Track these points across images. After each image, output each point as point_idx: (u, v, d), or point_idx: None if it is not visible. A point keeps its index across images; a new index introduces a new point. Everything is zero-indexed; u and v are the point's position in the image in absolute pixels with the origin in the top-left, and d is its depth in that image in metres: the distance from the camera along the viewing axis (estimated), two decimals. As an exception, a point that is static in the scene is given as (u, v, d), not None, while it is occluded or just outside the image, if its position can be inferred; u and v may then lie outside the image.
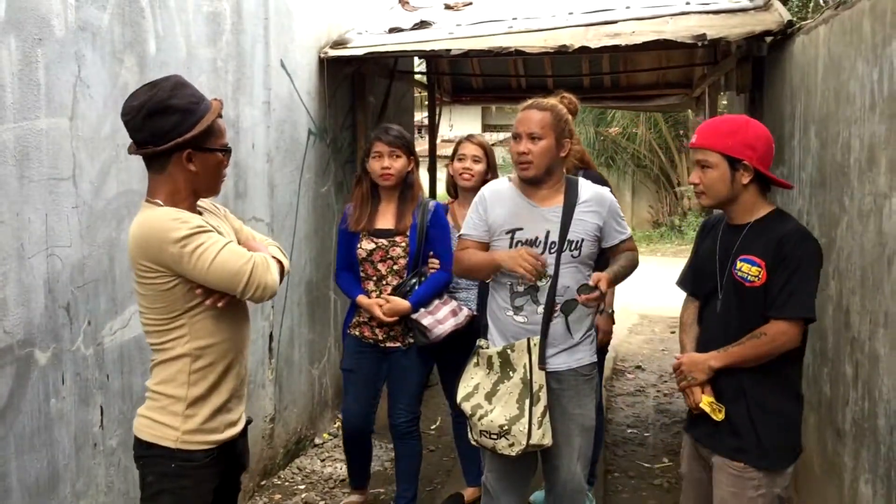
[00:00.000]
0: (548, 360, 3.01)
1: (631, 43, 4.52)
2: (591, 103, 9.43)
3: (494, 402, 3.00)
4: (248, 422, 2.49)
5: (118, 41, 3.11)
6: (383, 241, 3.70)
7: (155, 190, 2.24)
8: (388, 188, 3.74)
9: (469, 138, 3.98)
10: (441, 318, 3.70)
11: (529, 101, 3.11)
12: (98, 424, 3.04)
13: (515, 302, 3.05)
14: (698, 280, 2.82)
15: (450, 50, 4.87)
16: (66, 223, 2.85)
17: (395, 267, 3.72)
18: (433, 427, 5.43)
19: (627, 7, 5.20)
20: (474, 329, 3.60)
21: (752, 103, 4.92)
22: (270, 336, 4.48)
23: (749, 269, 2.56)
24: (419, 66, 7.69)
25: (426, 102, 7.65)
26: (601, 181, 3.62)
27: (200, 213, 2.32)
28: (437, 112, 7.81)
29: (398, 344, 3.77)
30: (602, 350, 3.95)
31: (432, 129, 7.49)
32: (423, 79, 7.53)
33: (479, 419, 2.99)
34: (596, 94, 8.18)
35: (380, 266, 3.72)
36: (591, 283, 2.93)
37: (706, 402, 2.62)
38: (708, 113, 6.77)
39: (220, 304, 2.22)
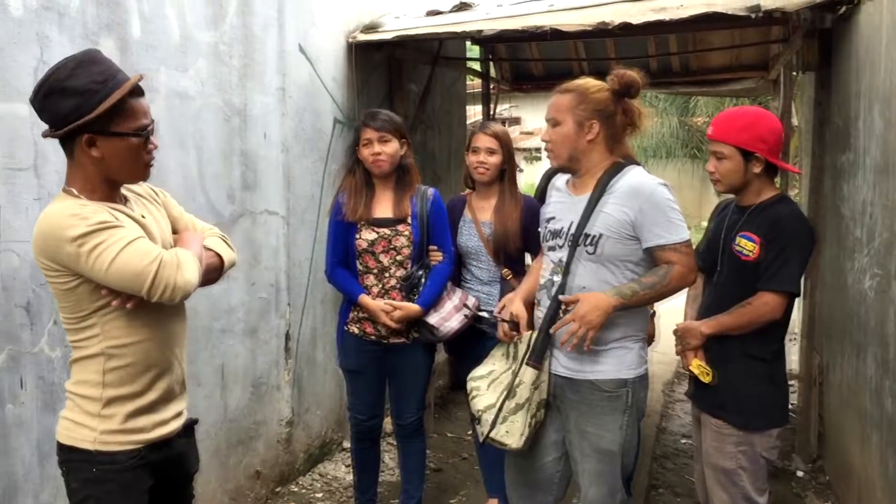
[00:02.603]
0: (563, 365, 2.73)
1: (676, 18, 4.08)
2: (658, 89, 8.88)
3: (490, 388, 2.84)
4: (192, 422, 2.30)
5: (91, 22, 2.90)
6: (385, 231, 3.46)
7: (70, 178, 2.04)
8: (382, 175, 3.48)
9: (483, 129, 3.66)
10: (446, 315, 3.49)
11: (561, 85, 2.78)
12: (68, 431, 2.85)
13: (538, 295, 2.85)
14: (706, 255, 3.01)
15: (481, 31, 4.55)
16: (26, 216, 2.66)
17: (399, 257, 3.47)
18: (469, 433, 5.11)
19: (681, -21, 4.74)
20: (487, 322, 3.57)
21: (820, 83, 4.42)
22: (287, 335, 4.25)
23: (746, 244, 2.80)
24: (472, 51, 7.36)
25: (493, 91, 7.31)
26: None
27: (126, 200, 2.11)
28: (495, 100, 7.47)
29: (402, 339, 3.54)
30: None
31: (487, 117, 7.13)
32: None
33: (472, 399, 2.87)
34: (664, 80, 7.65)
35: (382, 257, 3.47)
36: (563, 305, 2.70)
37: (696, 364, 2.88)
38: (783, 97, 6.20)
39: (128, 306, 2.00)
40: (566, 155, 2.72)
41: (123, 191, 2.15)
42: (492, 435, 2.75)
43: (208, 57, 3.55)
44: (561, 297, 2.68)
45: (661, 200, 2.62)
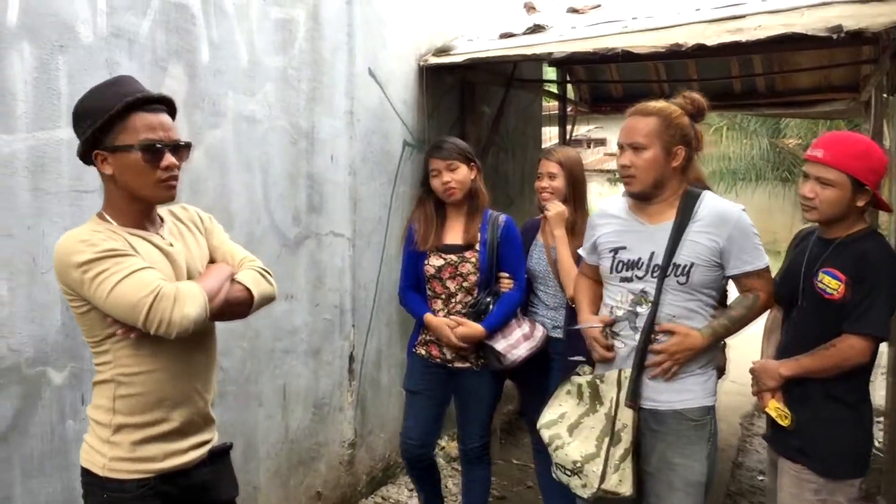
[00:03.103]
0: (645, 396, 2.64)
1: (753, 39, 3.94)
2: (742, 110, 8.65)
3: (575, 436, 2.73)
4: (226, 447, 2.27)
5: (161, 48, 2.98)
6: (452, 257, 3.47)
7: (104, 202, 2.10)
8: (455, 202, 3.51)
9: (546, 154, 3.65)
10: (514, 343, 3.43)
11: (635, 107, 2.72)
12: (128, 448, 2.91)
13: (616, 326, 2.73)
14: (784, 288, 2.81)
15: (552, 53, 4.49)
16: (92, 237, 2.73)
17: (465, 284, 3.48)
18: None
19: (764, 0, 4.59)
20: (553, 349, 3.52)
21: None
22: (351, 357, 4.26)
23: (830, 282, 2.59)
24: (550, 73, 7.30)
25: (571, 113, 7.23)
26: None
27: (161, 225, 2.14)
28: (572, 122, 7.39)
29: (468, 364, 3.50)
30: None
31: (563, 140, 7.05)
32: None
33: (556, 450, 2.75)
34: (749, 101, 7.43)
35: (449, 283, 3.49)
36: (655, 346, 2.63)
37: (773, 407, 2.70)
38: (873, 121, 5.92)
39: (131, 336, 2.00)
40: (651, 181, 2.64)
41: (165, 215, 2.18)
42: (604, 486, 2.61)
43: (276, 81, 3.60)
44: (661, 325, 2.61)
45: (747, 226, 2.63)
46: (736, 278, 2.63)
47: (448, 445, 5.02)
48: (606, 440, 2.63)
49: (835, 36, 3.72)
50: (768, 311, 2.90)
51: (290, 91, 3.70)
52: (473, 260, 3.46)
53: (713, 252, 2.58)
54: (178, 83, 3.08)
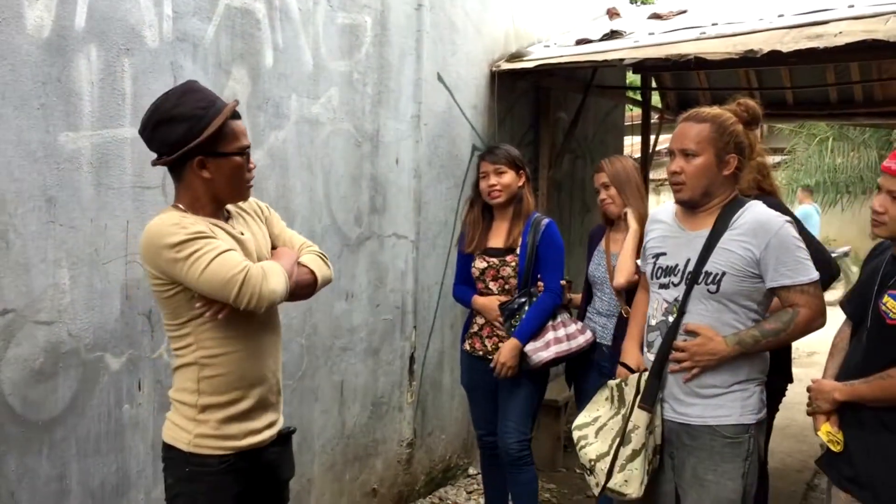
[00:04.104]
0: (675, 408, 2.61)
1: (831, 45, 3.80)
2: (838, 120, 8.29)
3: (599, 437, 2.73)
4: (290, 431, 2.42)
5: (225, 52, 3.11)
6: (494, 261, 3.56)
7: (178, 198, 2.22)
8: (500, 206, 3.58)
9: (597, 167, 3.64)
10: (541, 346, 3.44)
11: (688, 112, 2.68)
12: (182, 434, 3.04)
13: (648, 336, 2.72)
14: (852, 305, 2.68)
15: (623, 59, 4.44)
16: (152, 231, 2.87)
17: (507, 287, 3.56)
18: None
19: (851, 6, 4.40)
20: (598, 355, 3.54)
21: None
22: (412, 358, 4.31)
23: (893, 306, 2.42)
24: (635, 81, 7.19)
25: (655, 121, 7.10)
26: (782, 211, 3.08)
27: (228, 217, 2.28)
28: (657, 130, 7.25)
29: None
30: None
31: (645, 148, 6.94)
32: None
33: (580, 450, 2.77)
34: (846, 111, 7.14)
35: (492, 285, 3.58)
36: (678, 343, 2.59)
37: (824, 431, 2.56)
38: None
39: (219, 316, 2.13)
40: (701, 189, 2.59)
41: (230, 207, 2.32)
42: (610, 485, 2.63)
43: (341, 85, 3.70)
44: (687, 325, 2.57)
45: (788, 238, 2.51)
46: (777, 292, 2.53)
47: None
48: (617, 440, 2.64)
49: (916, 42, 3.55)
50: (841, 326, 2.78)
51: (355, 95, 3.79)
52: (513, 264, 3.52)
53: (748, 262, 2.49)
54: (242, 86, 3.20)
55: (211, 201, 2.20)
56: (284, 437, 2.40)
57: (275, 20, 3.33)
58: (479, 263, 3.58)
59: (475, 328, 3.65)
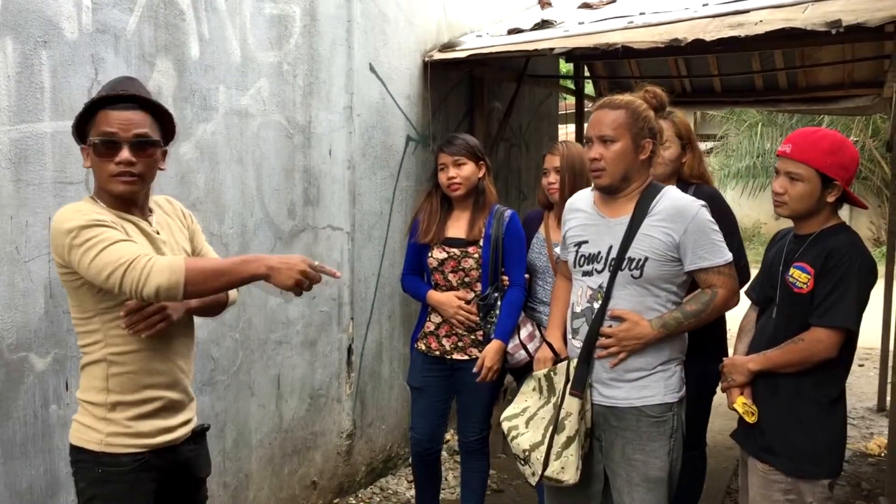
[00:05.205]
0: (605, 393, 2.67)
1: (752, 34, 3.90)
2: (764, 106, 8.52)
3: (530, 426, 2.77)
4: (205, 428, 2.40)
5: (148, 44, 3.05)
6: (455, 251, 3.49)
7: (95, 187, 2.21)
8: (459, 198, 3.52)
9: (551, 150, 3.61)
10: (517, 344, 3.46)
11: (602, 100, 2.73)
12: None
13: (573, 323, 2.76)
14: (762, 287, 2.81)
15: (553, 49, 4.48)
16: (76, 228, 2.81)
17: (467, 279, 3.49)
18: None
19: (776, -7, 4.52)
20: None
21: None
22: (349, 349, 4.30)
23: (799, 276, 2.58)
24: (567, 69, 7.27)
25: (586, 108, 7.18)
26: (715, 199, 3.18)
27: (150, 214, 2.25)
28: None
29: (466, 357, 3.51)
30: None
31: (579, 137, 7.02)
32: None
33: (512, 440, 2.81)
34: (771, 97, 7.32)
35: (450, 277, 3.51)
36: (604, 329, 2.64)
37: (740, 402, 2.67)
38: (893, 116, 5.80)
39: (143, 335, 2.14)
40: (620, 174, 2.63)
41: (153, 206, 2.27)
42: (547, 473, 2.66)
43: (270, 76, 3.66)
44: (613, 311, 2.62)
45: (705, 222, 2.61)
46: (695, 274, 2.61)
47: (452, 439, 5.05)
48: (550, 428, 2.67)
49: (833, 31, 3.67)
50: (747, 311, 2.89)
51: (286, 86, 3.76)
52: (476, 255, 3.46)
53: (668, 246, 2.56)
54: (167, 78, 3.14)
55: (104, 192, 2.15)
56: (199, 434, 2.37)
57: (200, 10, 3.28)
58: (438, 254, 3.49)
59: (431, 327, 3.56)
